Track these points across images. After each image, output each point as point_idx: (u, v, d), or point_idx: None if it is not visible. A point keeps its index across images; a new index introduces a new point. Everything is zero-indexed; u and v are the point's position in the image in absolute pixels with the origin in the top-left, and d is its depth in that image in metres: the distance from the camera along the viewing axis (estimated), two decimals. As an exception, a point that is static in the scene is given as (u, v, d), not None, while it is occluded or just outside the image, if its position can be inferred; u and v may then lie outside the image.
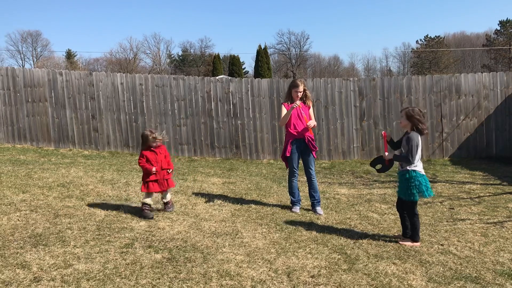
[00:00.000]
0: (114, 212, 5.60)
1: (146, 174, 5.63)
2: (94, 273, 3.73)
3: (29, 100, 11.57)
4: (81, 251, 4.20)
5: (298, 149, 6.15)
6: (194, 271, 3.87)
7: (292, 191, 6.30)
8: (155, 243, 4.54)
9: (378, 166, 5.12)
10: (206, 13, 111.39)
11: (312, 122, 6.06)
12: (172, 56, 74.77)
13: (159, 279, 3.68)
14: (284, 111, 6.14)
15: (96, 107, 11.50)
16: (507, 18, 61.51)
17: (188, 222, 5.35)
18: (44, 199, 5.95)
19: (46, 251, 4.13)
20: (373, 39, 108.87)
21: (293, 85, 6.15)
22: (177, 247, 4.45)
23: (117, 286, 3.53)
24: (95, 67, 69.12)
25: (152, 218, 5.42)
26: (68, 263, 3.91)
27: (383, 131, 5.08)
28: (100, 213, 5.53)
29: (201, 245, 4.54)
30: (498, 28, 62.35)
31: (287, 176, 6.38)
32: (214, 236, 4.88)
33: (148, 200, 5.58)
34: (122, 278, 3.66)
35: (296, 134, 6.11)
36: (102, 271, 3.78)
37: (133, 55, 68.24)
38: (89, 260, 3.99)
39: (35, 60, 68.57)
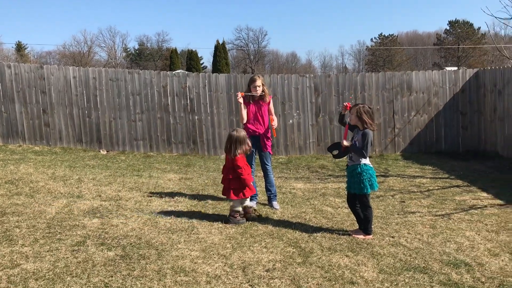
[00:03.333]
0: (66, 209, 5.46)
1: (244, 180, 5.37)
2: (43, 272, 3.62)
3: (-25, 93, 11.04)
4: (30, 250, 4.06)
5: (255, 145, 6.18)
6: (148, 268, 3.83)
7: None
8: (108, 240, 4.45)
9: (335, 152, 5.24)
10: (164, 7, 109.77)
11: (275, 123, 6.22)
12: (128, 50, 73.27)
13: (112, 277, 3.62)
14: (242, 107, 6.15)
15: (47, 101, 11.11)
16: (456, 19, 64.04)
17: (142, 218, 5.27)
18: (-10, 197, 5.71)
19: (-8, 251, 3.97)
20: (329, 37, 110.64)
21: (251, 80, 6.18)
22: (131, 244, 4.39)
23: (68, 285, 3.44)
24: (47, 60, 66.79)
25: (244, 222, 5.32)
26: (15, 262, 3.78)
27: (347, 103, 5.13)
28: (51, 210, 5.37)
29: (156, 242, 4.49)
30: (448, 27, 64.75)
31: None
32: (170, 232, 4.84)
33: (240, 208, 5.40)
34: (73, 277, 3.57)
35: (252, 131, 6.14)
36: (51, 270, 3.67)
37: (87, 48, 66.33)
38: (38, 259, 3.87)
39: (-19, 52, 65.41)
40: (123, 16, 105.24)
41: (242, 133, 5.45)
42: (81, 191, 6.43)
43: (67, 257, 3.96)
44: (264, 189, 6.50)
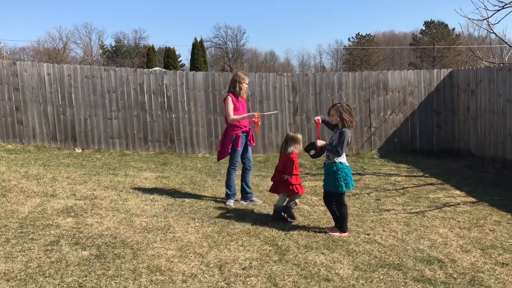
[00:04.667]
0: (39, 208, 5.35)
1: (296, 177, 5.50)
2: (15, 273, 3.54)
3: None
4: (1, 251, 3.97)
5: (243, 142, 6.27)
6: (123, 268, 3.79)
7: (230, 184, 6.35)
8: (82, 240, 4.39)
9: (312, 152, 5.30)
10: (141, 3, 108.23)
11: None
12: (104, 47, 72.12)
13: (86, 276, 3.57)
14: (231, 104, 6.14)
15: (20, 98, 10.87)
16: (431, 19, 65.06)
17: (118, 218, 5.21)
18: (-40, 196, 5.57)
19: (-39, 252, 3.87)
20: (307, 36, 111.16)
21: (242, 78, 6.22)
22: (106, 243, 4.33)
23: (40, 285, 3.38)
24: (21, 56, 65.22)
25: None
26: (-14, 263, 3.69)
27: (317, 118, 5.26)
28: (24, 210, 5.26)
29: (131, 241, 4.44)
30: (424, 28, 65.76)
31: (228, 169, 6.39)
32: (145, 231, 4.79)
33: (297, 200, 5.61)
34: (45, 277, 3.51)
35: (243, 127, 6.26)
36: (23, 270, 3.60)
37: (62, 45, 65.07)
38: (9, 260, 3.79)
39: (-49, 47, 63.55)
40: (99, 12, 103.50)
41: (299, 134, 5.68)
42: (55, 190, 6.31)
43: (40, 257, 3.88)
44: (240, 187, 6.53)
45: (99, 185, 6.91)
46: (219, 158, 6.44)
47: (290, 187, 5.43)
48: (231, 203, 6.26)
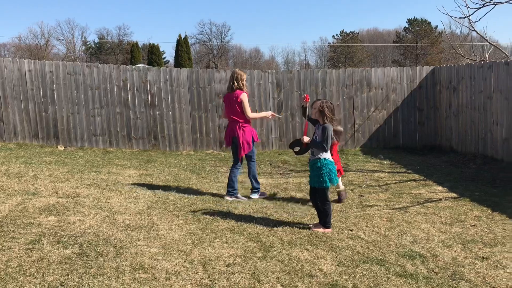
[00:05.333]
0: (20, 207, 5.28)
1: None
2: (-5, 272, 3.49)
3: None
4: (-19, 250, 3.91)
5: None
6: (106, 266, 3.76)
7: (234, 179, 6.47)
8: (64, 238, 4.34)
9: (297, 149, 5.35)
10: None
11: None
12: (88, 43, 71.30)
13: (68, 275, 3.53)
14: (248, 101, 6.40)
15: (0, 95, 10.69)
16: (414, 17, 65.66)
17: (101, 216, 5.16)
18: None
19: None
20: (292, 33, 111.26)
21: (243, 76, 6.45)
22: (88, 241, 4.29)
23: (21, 285, 3.34)
24: (1, 52, 64.17)
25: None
26: (-36, 263, 3.63)
27: (306, 94, 5.59)
28: (4, 208, 5.18)
29: (114, 239, 4.41)
30: (407, 25, 66.36)
31: (234, 165, 6.54)
32: (129, 229, 4.76)
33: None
34: (26, 276, 3.47)
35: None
36: (3, 270, 3.55)
37: (44, 41, 64.13)
38: (-11, 259, 3.73)
39: None
40: (82, 8, 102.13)
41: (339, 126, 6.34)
42: (36, 188, 6.23)
43: (21, 256, 3.83)
44: (226, 184, 6.55)
45: (82, 182, 6.84)
46: (243, 153, 6.43)
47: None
48: (229, 198, 6.38)
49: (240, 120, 6.38)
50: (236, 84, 6.38)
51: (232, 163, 6.66)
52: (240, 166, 6.56)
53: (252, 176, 6.59)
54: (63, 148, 10.74)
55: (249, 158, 6.55)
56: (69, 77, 10.95)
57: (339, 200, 6.39)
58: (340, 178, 6.37)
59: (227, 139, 6.57)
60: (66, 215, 5.08)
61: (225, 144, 6.75)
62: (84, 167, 8.20)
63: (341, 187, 6.48)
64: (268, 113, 6.59)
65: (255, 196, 6.57)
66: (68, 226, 4.72)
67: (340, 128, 6.23)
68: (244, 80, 6.42)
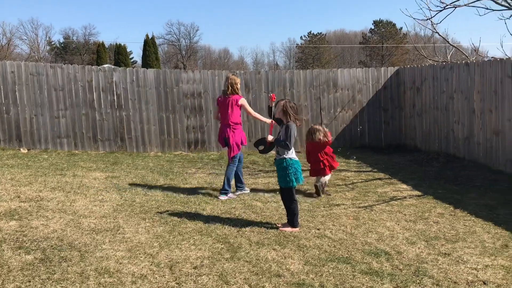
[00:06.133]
0: (-21, 212, 5.10)
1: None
2: (-48, 280, 3.37)
3: None
4: None
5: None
6: (70, 271, 3.68)
7: (232, 178, 6.80)
8: (26, 243, 4.23)
9: (261, 147, 5.40)
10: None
11: None
12: (52, 43, 69.52)
13: (30, 281, 3.44)
14: (247, 103, 6.85)
15: (-42, 97, 10.31)
16: (380, 19, 66.94)
17: (65, 219, 5.05)
18: None
19: None
20: (261, 34, 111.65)
21: (237, 81, 6.77)
22: (52, 246, 4.19)
23: (-20, 293, 3.23)
24: (-40, 52, 61.81)
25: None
26: None
27: (273, 94, 5.85)
28: (-38, 214, 5.00)
29: (79, 243, 4.33)
30: (373, 27, 67.57)
31: (234, 165, 6.78)
32: (94, 233, 4.67)
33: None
34: (-14, 284, 3.36)
35: None
36: (-39, 278, 3.43)
37: (6, 40, 62.12)
38: None
39: None
40: (46, 7, 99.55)
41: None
42: (-3, 193, 6.05)
43: (-20, 263, 3.71)
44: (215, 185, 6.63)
45: (46, 186, 6.68)
46: (233, 154, 6.72)
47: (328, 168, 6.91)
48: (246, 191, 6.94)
49: (232, 123, 6.68)
50: (231, 88, 6.71)
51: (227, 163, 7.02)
52: (237, 162, 6.82)
53: (227, 177, 6.68)
54: (26, 150, 10.44)
55: (234, 159, 6.81)
56: (32, 77, 10.65)
57: (319, 193, 6.84)
58: (330, 174, 7.06)
59: (221, 141, 6.94)
60: (28, 220, 4.95)
61: (221, 146, 7.13)
62: (48, 170, 8.00)
63: (323, 180, 6.90)
64: (269, 120, 6.82)
65: (223, 197, 6.58)
66: (30, 231, 4.60)
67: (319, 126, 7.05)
68: (238, 84, 6.74)
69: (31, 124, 10.66)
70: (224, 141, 6.83)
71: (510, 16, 8.91)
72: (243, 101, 6.76)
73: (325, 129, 7.08)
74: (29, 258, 3.89)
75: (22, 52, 64.02)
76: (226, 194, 6.63)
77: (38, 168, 8.25)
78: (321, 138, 6.83)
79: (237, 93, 6.74)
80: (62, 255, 4.00)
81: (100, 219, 5.17)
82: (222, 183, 6.79)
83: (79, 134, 10.91)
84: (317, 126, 7.03)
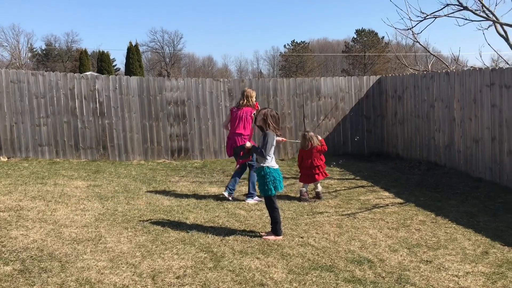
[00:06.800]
0: (-43, 222, 5.00)
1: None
2: None
3: None
4: None
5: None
6: (50, 282, 3.62)
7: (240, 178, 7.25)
8: (5, 254, 4.15)
9: (240, 154, 5.46)
10: (73, 5, 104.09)
11: None
12: (34, 50, 68.67)
13: (8, 293, 3.38)
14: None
15: None
16: (362, 28, 67.74)
17: (45, 229, 4.98)
18: None
19: None
20: (245, 42, 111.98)
21: (253, 94, 7.02)
22: (32, 257, 4.12)
23: (-44, 305, 3.16)
24: None
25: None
26: None
27: (255, 102, 6.46)
28: None
29: (59, 254, 4.26)
30: (355, 36, 68.35)
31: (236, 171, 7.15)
32: (75, 243, 4.61)
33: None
34: (-38, 296, 3.28)
35: None
36: None
37: (-14, 47, 61.13)
38: None
39: None
40: (27, 14, 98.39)
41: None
42: (-25, 202, 5.93)
43: (-43, 275, 3.63)
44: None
45: (26, 195, 6.57)
46: (242, 162, 6.90)
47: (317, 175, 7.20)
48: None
49: (244, 134, 6.91)
50: (246, 101, 6.96)
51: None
52: (243, 171, 7.18)
53: (251, 182, 6.98)
54: (6, 159, 10.27)
55: (251, 167, 6.90)
56: (13, 85, 10.51)
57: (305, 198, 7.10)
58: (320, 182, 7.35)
59: (229, 150, 7.13)
60: (7, 230, 4.86)
61: (228, 154, 7.51)
62: (28, 179, 7.87)
63: (319, 188, 7.29)
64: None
65: (250, 201, 6.88)
66: (9, 241, 4.52)
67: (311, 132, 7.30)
68: (254, 97, 6.99)
69: (12, 132, 10.50)
70: (232, 150, 6.87)
71: (488, 27, 9.12)
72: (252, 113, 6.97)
73: (318, 136, 7.36)
74: (8, 269, 3.81)
75: (3, 59, 63.10)
76: (252, 197, 6.92)
77: (18, 176, 8.12)
78: (319, 144, 7.14)
79: (252, 106, 6.96)
80: (42, 265, 3.94)
81: (81, 228, 5.10)
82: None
83: (61, 142, 10.78)
84: (311, 133, 7.25)
